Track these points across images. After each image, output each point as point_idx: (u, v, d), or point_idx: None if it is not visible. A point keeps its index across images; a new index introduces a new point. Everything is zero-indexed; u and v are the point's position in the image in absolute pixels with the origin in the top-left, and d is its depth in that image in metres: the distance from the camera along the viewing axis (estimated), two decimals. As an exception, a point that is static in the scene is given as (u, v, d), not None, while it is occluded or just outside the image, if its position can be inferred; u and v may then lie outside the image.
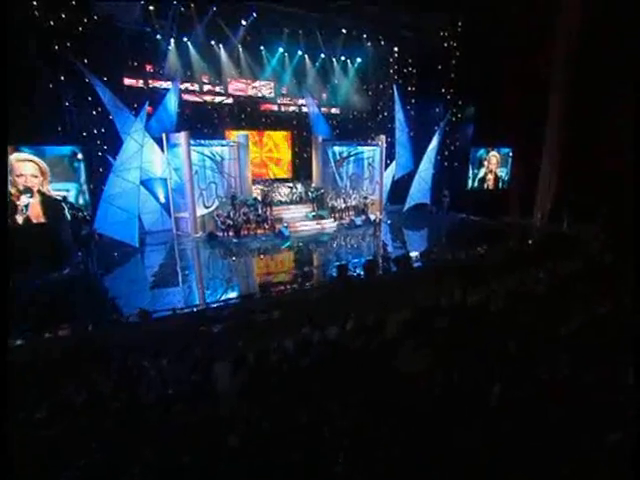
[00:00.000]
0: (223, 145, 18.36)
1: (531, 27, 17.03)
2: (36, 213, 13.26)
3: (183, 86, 19.87)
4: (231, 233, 16.82)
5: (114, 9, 16.68)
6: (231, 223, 16.70)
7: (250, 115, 21.88)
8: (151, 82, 19.43)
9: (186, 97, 20.22)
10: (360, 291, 10.57)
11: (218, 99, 21.09)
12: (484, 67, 18.39)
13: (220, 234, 16.76)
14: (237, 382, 6.78)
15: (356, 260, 13.69)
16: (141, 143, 14.52)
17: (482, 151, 20.68)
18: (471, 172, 20.61)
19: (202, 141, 17.30)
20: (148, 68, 19.17)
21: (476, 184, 21.13)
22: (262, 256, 14.91)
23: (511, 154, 21.18)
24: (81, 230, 12.05)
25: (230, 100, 21.53)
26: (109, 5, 16.50)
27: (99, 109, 15.58)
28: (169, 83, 19.27)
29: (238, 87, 21.38)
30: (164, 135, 16.86)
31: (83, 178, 13.73)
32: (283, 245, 16.05)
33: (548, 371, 4.48)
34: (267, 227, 17.19)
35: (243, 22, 17.81)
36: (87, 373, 6.56)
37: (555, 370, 4.47)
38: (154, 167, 16.95)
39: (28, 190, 13.18)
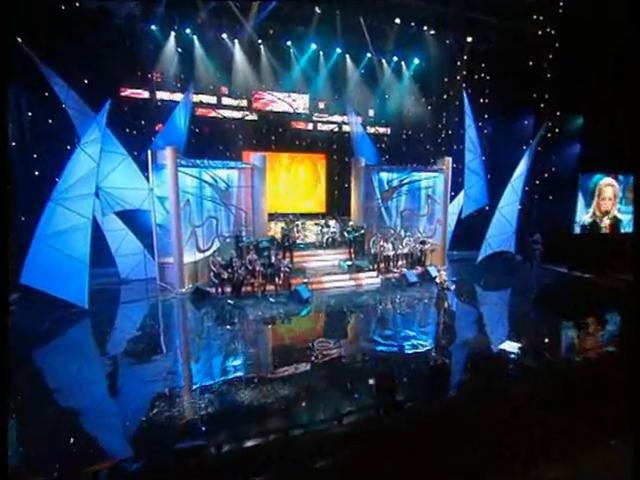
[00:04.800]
0: (230, 168, 13.72)
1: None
2: None
3: (197, 98, 15.96)
4: (228, 289, 11.85)
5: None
6: (227, 276, 11.73)
7: (279, 135, 17.44)
8: (158, 94, 15.70)
9: (201, 112, 16.21)
10: (415, 442, 5.00)
11: (238, 115, 16.91)
12: (596, 62, 12.87)
13: (212, 290, 11.83)
14: None
15: (408, 352, 8.27)
16: (96, 160, 10.07)
17: (594, 179, 14.66)
18: (578, 209, 14.56)
19: (197, 161, 12.72)
20: (155, 77, 15.46)
21: (583, 225, 14.99)
22: (257, 337, 9.64)
23: None
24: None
25: (254, 116, 17.27)
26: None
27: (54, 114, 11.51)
28: (179, 95, 15.41)
29: (263, 100, 17.15)
30: (149, 153, 12.46)
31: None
32: (299, 313, 10.80)
33: None
34: (280, 283, 12.05)
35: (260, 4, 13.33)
36: None
37: None
38: (135, 195, 12.46)
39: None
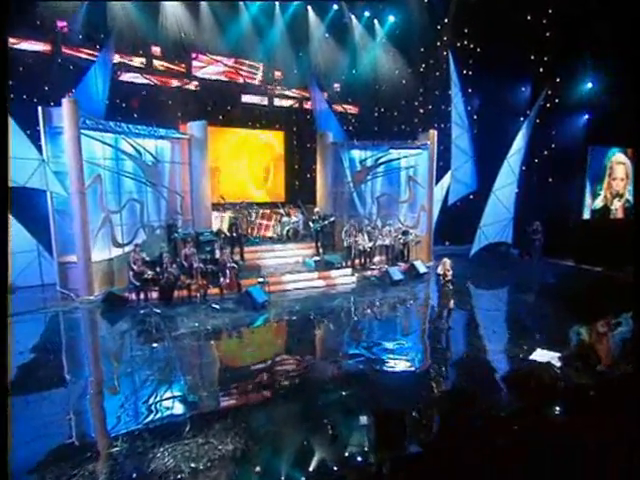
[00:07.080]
0: (160, 137, 10.50)
1: None
2: None
3: (119, 59, 12.57)
4: (154, 294, 8.60)
5: None
6: (153, 276, 8.48)
7: (226, 110, 14.28)
8: (65, 50, 12.01)
9: (126, 77, 12.84)
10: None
11: (175, 83, 13.67)
12: (606, 17, 10.87)
13: (132, 296, 8.53)
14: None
15: (409, 374, 5.55)
16: None
17: (608, 154, 12.60)
18: (587, 191, 12.42)
19: (111, 123, 9.42)
20: (61, 27, 11.86)
21: (593, 209, 12.90)
22: (192, 359, 6.52)
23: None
24: None
25: (195, 86, 14.04)
26: None
27: None
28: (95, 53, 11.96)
29: (205, 65, 14.02)
30: (40, 111, 9.02)
31: None
32: (252, 323, 7.76)
33: None
34: (226, 284, 8.91)
35: None
36: None
37: None
38: (17, 168, 8.91)
39: None
